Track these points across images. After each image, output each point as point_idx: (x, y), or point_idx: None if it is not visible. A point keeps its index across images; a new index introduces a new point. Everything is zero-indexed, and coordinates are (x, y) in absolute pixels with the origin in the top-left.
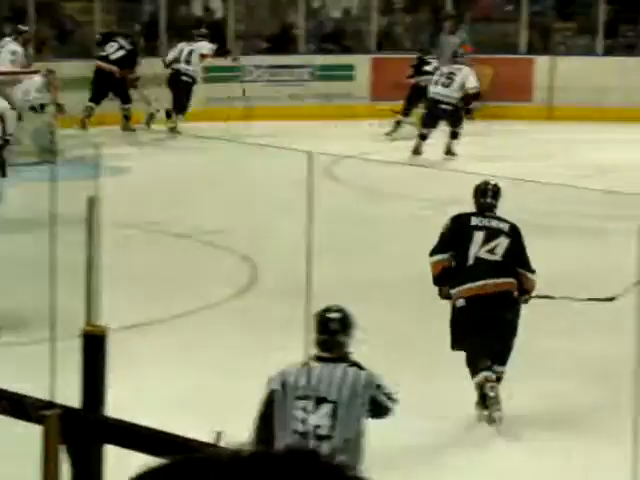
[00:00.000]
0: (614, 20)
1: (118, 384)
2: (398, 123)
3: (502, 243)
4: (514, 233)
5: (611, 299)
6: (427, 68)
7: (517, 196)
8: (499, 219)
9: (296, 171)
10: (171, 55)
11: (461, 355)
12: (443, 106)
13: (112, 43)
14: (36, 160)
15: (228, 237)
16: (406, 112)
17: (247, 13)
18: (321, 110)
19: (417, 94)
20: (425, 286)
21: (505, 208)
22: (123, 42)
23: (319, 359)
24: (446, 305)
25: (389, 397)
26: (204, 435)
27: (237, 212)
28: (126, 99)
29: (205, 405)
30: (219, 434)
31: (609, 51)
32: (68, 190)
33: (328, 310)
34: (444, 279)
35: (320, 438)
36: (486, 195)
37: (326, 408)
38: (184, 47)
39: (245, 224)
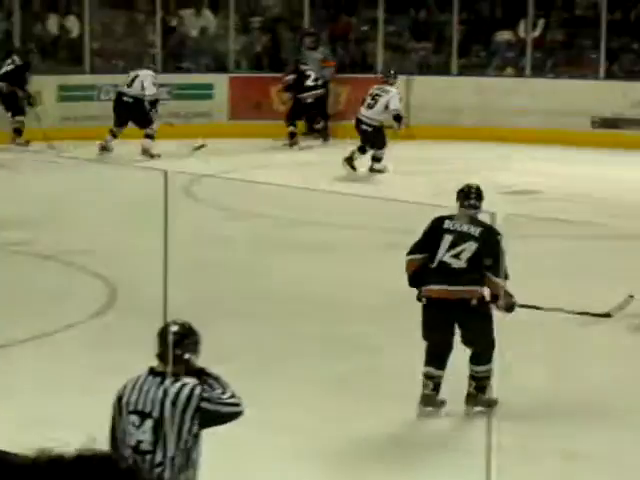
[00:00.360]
0: (467, 40)
1: None
2: (293, 135)
3: (469, 248)
4: (485, 237)
5: (607, 315)
6: (308, 83)
7: (377, 216)
8: (473, 222)
9: (154, 190)
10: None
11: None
12: (363, 127)
13: (8, 60)
14: None
15: (88, 257)
16: (291, 124)
17: (103, 31)
18: (180, 129)
19: (300, 109)
20: (283, 303)
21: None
22: (15, 58)
23: (153, 372)
24: (304, 319)
25: (224, 402)
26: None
27: (97, 232)
28: (17, 112)
29: (61, 425)
30: (43, 450)
31: (463, 71)
32: None
33: (169, 324)
34: (418, 281)
35: (142, 453)
36: (469, 197)
37: (149, 423)
38: (134, 73)
39: (104, 244)
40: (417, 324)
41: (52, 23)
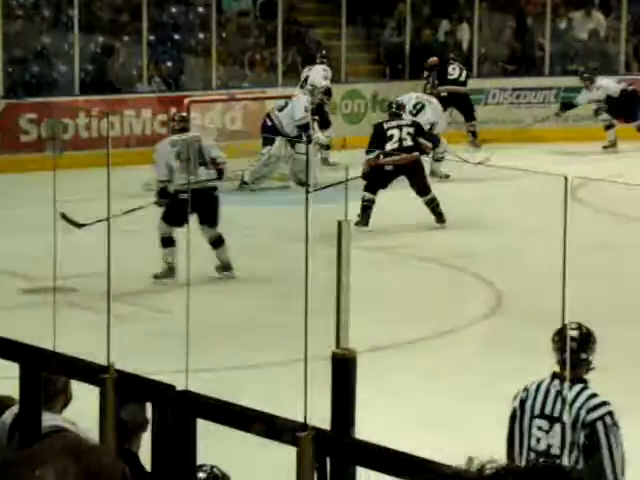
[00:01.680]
0: None
1: (365, 406)
2: None
3: None
4: None
5: None
6: None
7: None
8: None
9: (543, 195)
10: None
11: None
12: None
13: (451, 67)
14: (285, 184)
15: (474, 261)
16: None
17: (491, 37)
18: (564, 132)
19: None
20: None
21: None
22: (455, 65)
23: (557, 377)
24: None
25: (619, 456)
26: (453, 458)
27: (484, 236)
28: (470, 117)
29: (453, 427)
30: (471, 459)
31: None
32: (322, 214)
33: (567, 328)
34: None
35: (552, 457)
36: None
37: (557, 428)
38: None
39: (491, 248)
40: None
41: (441, 30)
